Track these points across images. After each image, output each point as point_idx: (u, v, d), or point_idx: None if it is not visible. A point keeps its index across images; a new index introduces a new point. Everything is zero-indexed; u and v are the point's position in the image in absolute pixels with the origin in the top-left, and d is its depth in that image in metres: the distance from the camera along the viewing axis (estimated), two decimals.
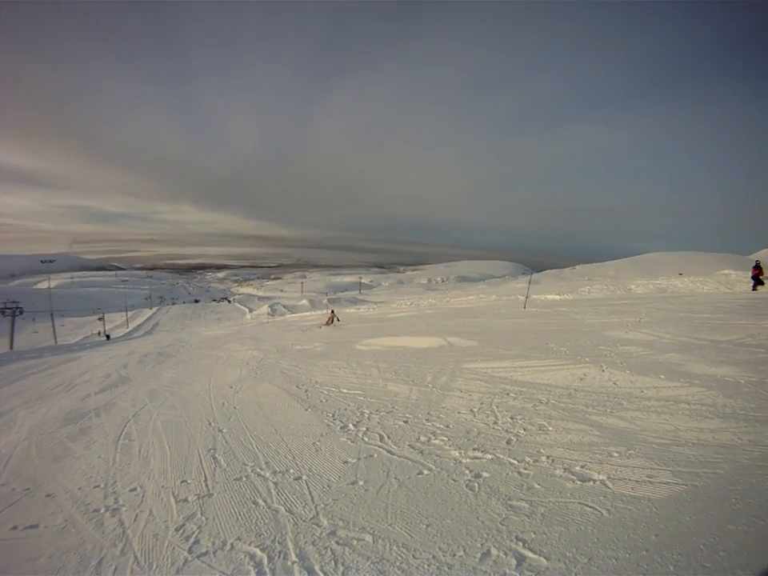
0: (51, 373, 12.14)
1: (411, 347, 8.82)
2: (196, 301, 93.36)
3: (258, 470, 3.62)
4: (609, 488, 2.72)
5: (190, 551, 2.54)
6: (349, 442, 4.04)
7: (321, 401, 5.62)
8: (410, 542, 2.40)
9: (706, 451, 3.04)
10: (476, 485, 2.96)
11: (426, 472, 3.25)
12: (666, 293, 15.90)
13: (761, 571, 1.82)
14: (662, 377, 4.83)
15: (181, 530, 2.78)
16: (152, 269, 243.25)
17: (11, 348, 28.31)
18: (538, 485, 2.87)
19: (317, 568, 2.25)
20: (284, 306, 55.01)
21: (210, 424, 5.06)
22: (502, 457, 3.36)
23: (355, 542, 2.44)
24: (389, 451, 3.72)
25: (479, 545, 2.29)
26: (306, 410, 5.27)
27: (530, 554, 2.16)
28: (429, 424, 4.32)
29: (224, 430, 4.76)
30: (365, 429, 4.35)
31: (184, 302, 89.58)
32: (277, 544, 2.51)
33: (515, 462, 3.25)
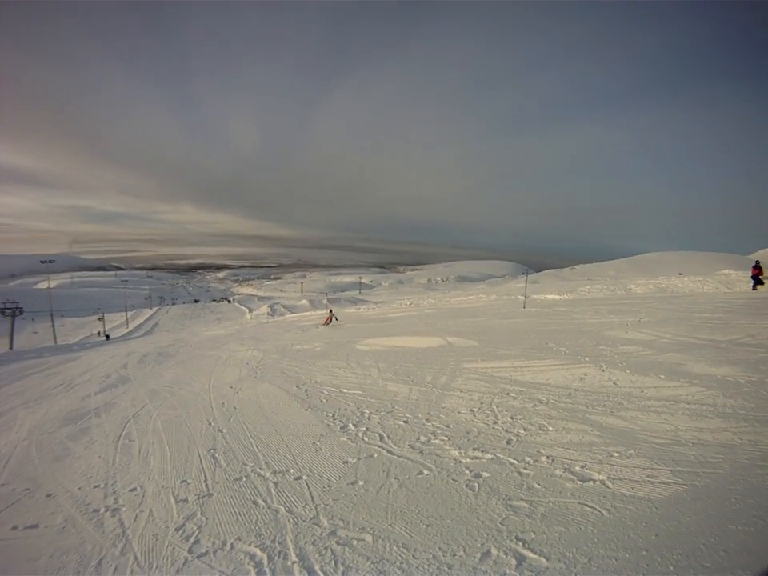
0: (51, 373, 12.13)
1: (411, 347, 8.82)
2: (196, 301, 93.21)
3: (258, 470, 3.62)
4: (609, 488, 2.72)
5: (190, 551, 2.54)
6: (349, 442, 4.04)
7: (321, 401, 5.62)
8: (410, 542, 2.40)
9: (706, 451, 3.04)
10: (476, 485, 2.97)
11: (426, 472, 3.25)
12: (666, 292, 15.91)
13: (761, 571, 1.82)
14: (662, 376, 4.84)
15: (181, 530, 2.78)
16: (152, 269, 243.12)
17: (11, 348, 28.30)
18: (538, 485, 2.87)
19: (317, 568, 2.25)
20: (284, 306, 54.96)
21: (209, 424, 5.05)
22: (502, 457, 3.36)
23: (355, 542, 2.44)
24: (389, 451, 3.72)
25: (479, 545, 2.30)
26: (306, 409, 5.27)
27: (530, 554, 2.16)
28: (429, 424, 4.32)
29: (224, 430, 4.76)
30: (365, 429, 4.35)
31: (184, 302, 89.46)
32: (277, 544, 2.51)
33: (515, 461, 3.26)
